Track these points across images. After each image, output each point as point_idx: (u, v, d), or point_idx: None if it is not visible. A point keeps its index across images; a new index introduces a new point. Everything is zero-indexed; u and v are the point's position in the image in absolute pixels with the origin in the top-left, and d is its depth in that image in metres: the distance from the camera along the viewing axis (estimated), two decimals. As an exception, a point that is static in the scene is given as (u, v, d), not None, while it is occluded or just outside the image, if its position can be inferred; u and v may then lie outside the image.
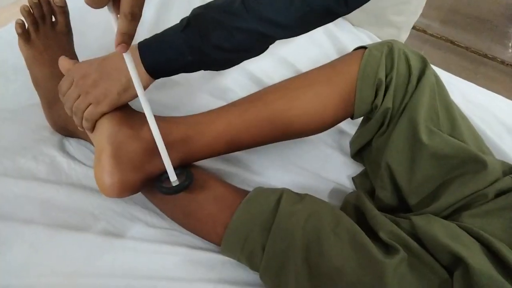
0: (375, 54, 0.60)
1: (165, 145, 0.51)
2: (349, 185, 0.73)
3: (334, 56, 0.92)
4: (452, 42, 1.83)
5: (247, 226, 0.53)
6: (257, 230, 0.52)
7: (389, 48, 0.61)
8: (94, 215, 0.62)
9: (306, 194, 0.58)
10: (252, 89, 0.67)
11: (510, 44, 2.02)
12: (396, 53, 0.60)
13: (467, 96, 0.90)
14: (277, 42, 0.56)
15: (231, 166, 0.71)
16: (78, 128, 0.59)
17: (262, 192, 0.57)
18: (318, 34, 0.98)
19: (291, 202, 0.54)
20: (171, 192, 0.52)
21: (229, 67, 0.58)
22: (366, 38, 1.02)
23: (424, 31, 1.88)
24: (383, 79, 0.59)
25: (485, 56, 1.78)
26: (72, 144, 0.72)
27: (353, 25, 1.06)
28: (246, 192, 0.57)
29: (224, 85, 0.82)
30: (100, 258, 0.57)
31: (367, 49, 0.61)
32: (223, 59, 0.55)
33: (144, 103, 0.48)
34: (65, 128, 0.71)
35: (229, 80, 0.83)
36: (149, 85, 0.56)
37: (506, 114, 0.87)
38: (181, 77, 0.79)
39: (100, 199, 0.63)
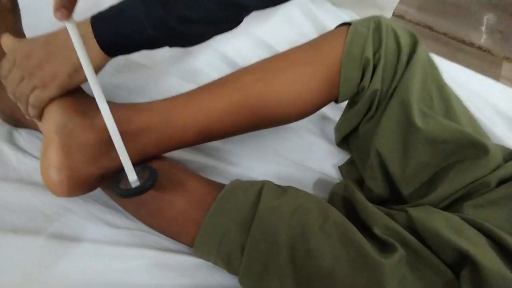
0: (361, 30, 0.55)
1: (124, 136, 0.45)
2: (335, 175, 0.69)
3: (313, 37, 0.86)
4: (430, 28, 1.81)
5: (223, 224, 0.48)
6: (235, 229, 0.47)
7: (376, 24, 0.56)
8: (46, 215, 0.55)
9: (289, 187, 0.53)
10: (226, 71, 0.61)
11: (483, 29, 2.01)
12: (384, 29, 0.55)
13: (457, 79, 0.86)
14: (253, 20, 0.51)
15: (205, 157, 0.64)
16: (26, 116, 0.52)
17: (240, 185, 0.52)
18: (297, 14, 0.92)
19: (273, 196, 0.49)
20: (128, 195, 0.45)
21: (198, 43, 0.51)
22: (347, 18, 0.97)
23: (402, 17, 1.85)
24: (371, 57, 0.54)
25: (463, 42, 1.78)
26: (22, 135, 0.64)
27: (334, 5, 1.00)
28: (222, 186, 0.52)
29: (195, 67, 0.75)
30: (53, 264, 0.51)
31: (351, 25, 0.56)
32: (190, 32, 0.48)
33: (93, 83, 0.43)
34: (13, 117, 0.63)
35: (201, 61, 0.76)
36: (104, 65, 0.50)
37: (497, 98, 0.84)
38: (146, 58, 0.74)
39: (53, 196, 0.53)
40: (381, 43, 0.54)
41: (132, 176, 0.46)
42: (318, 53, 0.55)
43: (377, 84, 0.55)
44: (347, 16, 0.98)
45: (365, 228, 0.48)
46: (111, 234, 0.54)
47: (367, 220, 0.49)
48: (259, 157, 0.67)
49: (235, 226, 0.48)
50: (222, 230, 0.48)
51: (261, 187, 0.51)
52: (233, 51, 0.80)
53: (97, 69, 0.48)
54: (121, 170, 0.47)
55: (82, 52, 0.42)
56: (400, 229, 0.45)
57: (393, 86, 0.55)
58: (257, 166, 0.66)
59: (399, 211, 0.50)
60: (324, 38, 0.57)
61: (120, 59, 0.70)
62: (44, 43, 0.48)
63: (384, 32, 0.55)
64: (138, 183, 0.46)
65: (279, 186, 0.53)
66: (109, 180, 0.50)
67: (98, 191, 0.57)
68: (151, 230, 0.55)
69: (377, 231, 0.46)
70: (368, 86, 0.55)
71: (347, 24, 0.57)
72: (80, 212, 0.56)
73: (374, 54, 0.55)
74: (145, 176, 0.47)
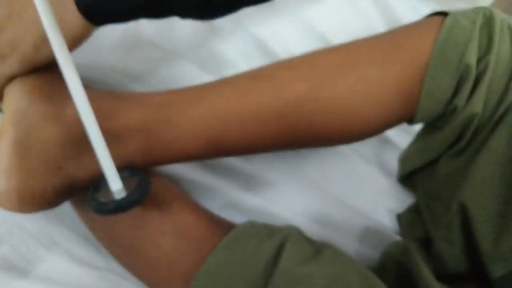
0: (463, 24, 0.43)
1: (106, 136, 0.36)
2: (390, 225, 0.56)
3: (382, 31, 0.74)
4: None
5: (222, 289, 0.38)
6: (238, 300, 0.37)
7: (486, 18, 0.44)
8: (-4, 234, 0.46)
9: (325, 245, 0.42)
10: (261, 63, 0.51)
11: None
12: (498, 26, 0.43)
13: None
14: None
15: (213, 177, 0.53)
16: None
17: (254, 231, 0.41)
18: (363, 0, 0.78)
19: (299, 257, 0.39)
20: (107, 211, 0.36)
21: (220, 15, 0.41)
22: (427, 11, 0.80)
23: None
24: (473, 65, 0.43)
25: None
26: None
27: None
28: (229, 226, 0.42)
29: (220, 54, 0.64)
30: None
31: (450, 16, 0.44)
32: None
33: (61, 58, 0.34)
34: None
35: (229, 47, 0.64)
36: (85, 36, 0.40)
37: None
38: (161, 36, 0.63)
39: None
40: (491, 46, 0.43)
41: (115, 184, 0.36)
42: (396, 51, 0.44)
43: (477, 105, 0.43)
44: (427, 8, 0.83)
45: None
46: (72, 272, 0.45)
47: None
48: (288, 186, 0.55)
49: (237, 296, 0.37)
50: (219, 298, 0.37)
51: (283, 240, 0.39)
52: (273, 37, 0.67)
53: (75, 41, 0.39)
54: (101, 176, 0.38)
55: (46, 14, 0.33)
56: None
57: (501, 111, 0.43)
58: (284, 199, 0.54)
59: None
60: (407, 31, 0.46)
61: (132, 37, 0.61)
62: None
63: (498, 31, 0.43)
64: (123, 194, 0.36)
65: (310, 241, 0.41)
66: (80, 193, 0.41)
67: (68, 209, 0.46)
68: (126, 273, 0.45)
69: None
70: (463, 106, 0.44)
71: (442, 14, 0.46)
72: (39, 235, 0.46)
73: (478, 61, 0.43)
74: (133, 184, 0.38)
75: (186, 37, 0.64)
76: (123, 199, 0.36)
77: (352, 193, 0.57)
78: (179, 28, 0.63)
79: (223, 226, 0.42)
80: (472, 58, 0.42)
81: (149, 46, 0.63)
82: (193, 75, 0.60)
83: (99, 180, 0.38)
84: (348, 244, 0.51)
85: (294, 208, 0.54)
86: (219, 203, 0.52)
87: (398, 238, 0.54)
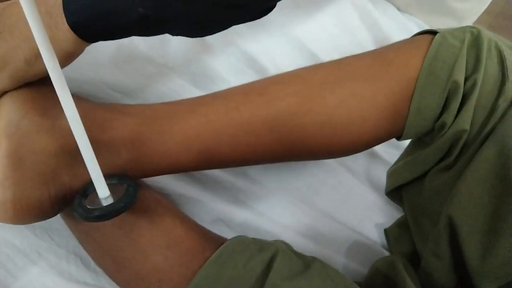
0: (451, 43, 0.43)
1: (96, 146, 0.36)
2: (378, 239, 0.55)
3: (370, 48, 0.74)
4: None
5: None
6: (227, 315, 0.36)
7: (473, 37, 0.44)
8: (-19, 249, 0.44)
9: (314, 259, 0.41)
10: (252, 79, 0.51)
11: None
12: (485, 45, 0.43)
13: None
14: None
15: (203, 192, 0.52)
16: None
17: (244, 247, 0.40)
18: (351, 16, 0.78)
19: (289, 272, 0.38)
20: (92, 217, 0.35)
21: (209, 33, 0.40)
22: (415, 28, 0.83)
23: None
24: (461, 83, 0.42)
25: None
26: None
27: (399, 10, 0.86)
28: (219, 241, 0.42)
29: (212, 70, 0.63)
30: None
31: (438, 34, 0.44)
32: (195, 15, 0.37)
33: (53, 73, 0.33)
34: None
35: (220, 63, 0.64)
36: (78, 52, 0.40)
37: None
38: (154, 52, 0.62)
39: (-3, 223, 0.46)
40: (479, 65, 0.42)
41: (102, 191, 0.36)
42: (385, 68, 0.43)
43: (465, 122, 0.43)
44: (415, 25, 0.84)
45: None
46: (60, 288, 0.43)
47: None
48: (278, 201, 0.54)
49: (227, 311, 0.36)
50: (209, 313, 0.36)
51: (273, 255, 0.39)
52: (264, 54, 0.67)
53: (67, 57, 0.39)
54: (89, 183, 0.37)
55: (38, 30, 0.32)
56: None
57: (489, 128, 0.43)
58: (273, 213, 0.53)
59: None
60: (397, 48, 0.46)
61: (125, 52, 0.60)
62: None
63: (485, 50, 0.43)
64: (110, 201, 0.36)
65: (299, 256, 0.41)
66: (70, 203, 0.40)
67: (59, 223, 0.46)
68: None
69: None
70: (451, 123, 0.43)
71: (431, 33, 0.46)
72: (27, 250, 0.45)
73: (466, 79, 0.43)
74: (119, 191, 0.37)
75: (179, 53, 0.64)
76: (109, 206, 0.35)
77: (340, 207, 0.56)
78: (171, 44, 0.62)
79: (213, 241, 0.41)
80: (460, 76, 0.42)
81: (142, 61, 0.62)
82: (185, 90, 0.59)
83: (87, 187, 0.38)
84: (336, 259, 0.51)
85: (283, 222, 0.53)
86: (209, 217, 0.50)
87: (386, 252, 0.54)
